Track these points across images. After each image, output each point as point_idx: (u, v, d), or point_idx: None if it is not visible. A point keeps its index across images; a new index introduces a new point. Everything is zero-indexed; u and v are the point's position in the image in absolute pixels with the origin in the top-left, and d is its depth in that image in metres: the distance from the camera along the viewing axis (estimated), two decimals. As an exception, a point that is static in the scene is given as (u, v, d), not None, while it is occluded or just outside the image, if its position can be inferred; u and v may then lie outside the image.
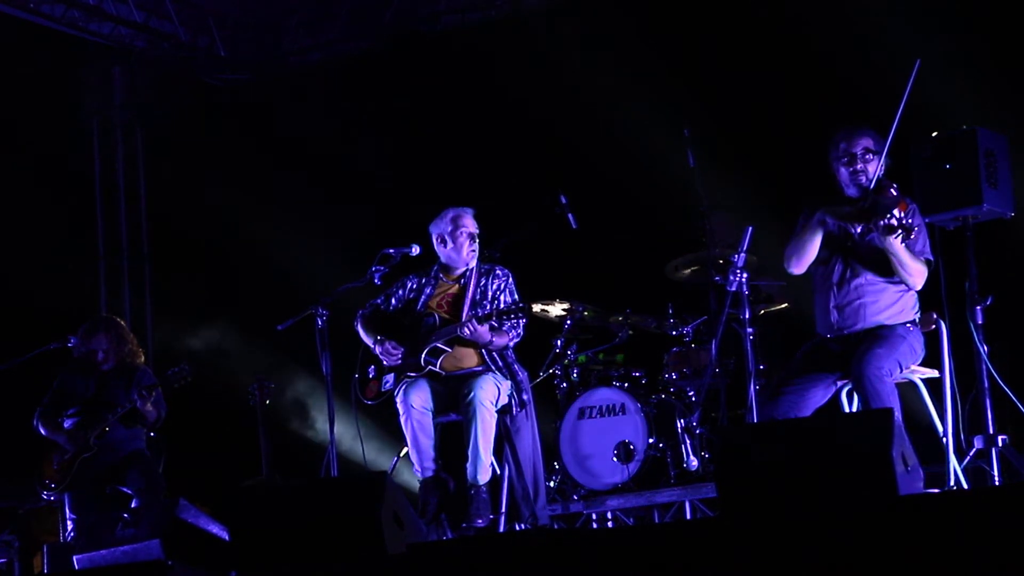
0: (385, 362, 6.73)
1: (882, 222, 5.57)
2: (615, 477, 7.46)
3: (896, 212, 5.54)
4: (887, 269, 5.79)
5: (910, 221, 5.58)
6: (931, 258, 5.86)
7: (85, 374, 7.57)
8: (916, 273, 5.77)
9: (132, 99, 10.32)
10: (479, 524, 6.44)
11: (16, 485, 7.95)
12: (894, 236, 5.58)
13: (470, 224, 6.73)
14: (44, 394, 7.61)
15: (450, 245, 6.73)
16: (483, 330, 6.49)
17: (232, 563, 5.17)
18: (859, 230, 5.79)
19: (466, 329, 6.47)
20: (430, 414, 6.56)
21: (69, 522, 7.31)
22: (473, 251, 6.73)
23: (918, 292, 5.97)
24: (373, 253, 6.77)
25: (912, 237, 5.66)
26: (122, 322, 7.85)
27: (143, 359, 7.80)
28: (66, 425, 7.46)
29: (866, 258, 5.83)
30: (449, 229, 6.73)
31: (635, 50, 8.51)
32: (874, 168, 5.83)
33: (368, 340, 6.80)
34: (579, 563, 4.39)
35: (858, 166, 5.85)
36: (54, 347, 7.75)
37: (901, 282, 5.81)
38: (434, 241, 6.79)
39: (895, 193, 5.69)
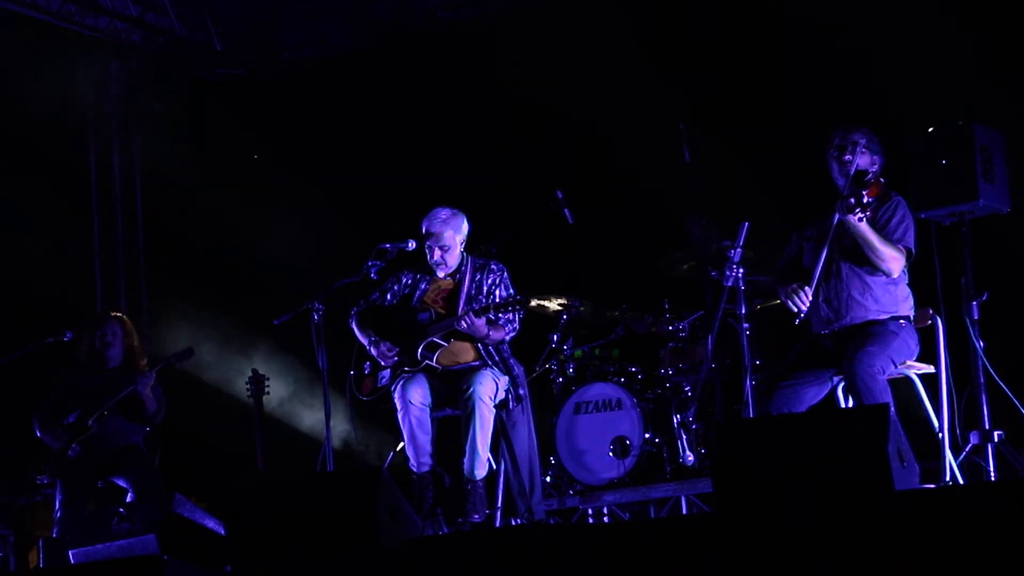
0: (382, 363, 6.73)
1: (843, 201, 5.67)
2: (611, 472, 7.46)
3: (864, 193, 5.61)
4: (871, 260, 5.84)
5: (870, 201, 5.65)
6: (912, 248, 5.89)
7: (89, 374, 7.58)
8: (888, 258, 5.80)
9: (128, 93, 10.30)
10: (475, 519, 6.45)
11: (11, 479, 7.94)
12: (854, 215, 5.64)
13: (441, 237, 6.70)
14: (40, 391, 7.60)
15: (426, 250, 6.75)
16: (480, 323, 6.49)
17: (227, 558, 5.17)
18: (835, 220, 5.83)
19: (463, 322, 6.47)
20: (428, 409, 6.57)
21: (57, 513, 7.26)
22: (439, 263, 6.73)
23: (911, 288, 5.99)
24: (369, 248, 6.77)
25: (871, 216, 5.73)
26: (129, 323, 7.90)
27: (147, 364, 7.78)
28: (65, 423, 7.47)
29: (851, 250, 5.86)
30: (423, 235, 6.75)
31: (633, 45, 8.50)
32: (864, 162, 5.90)
33: (363, 339, 6.80)
34: (575, 558, 4.39)
35: (846, 157, 5.93)
36: (51, 341, 7.74)
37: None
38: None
39: (871, 179, 5.77)
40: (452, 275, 6.80)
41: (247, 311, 9.27)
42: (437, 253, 6.71)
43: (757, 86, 8.27)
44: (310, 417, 9.20)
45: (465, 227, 6.78)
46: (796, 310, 5.85)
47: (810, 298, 5.84)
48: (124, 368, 7.58)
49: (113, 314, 7.92)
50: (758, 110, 8.22)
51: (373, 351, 6.73)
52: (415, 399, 6.53)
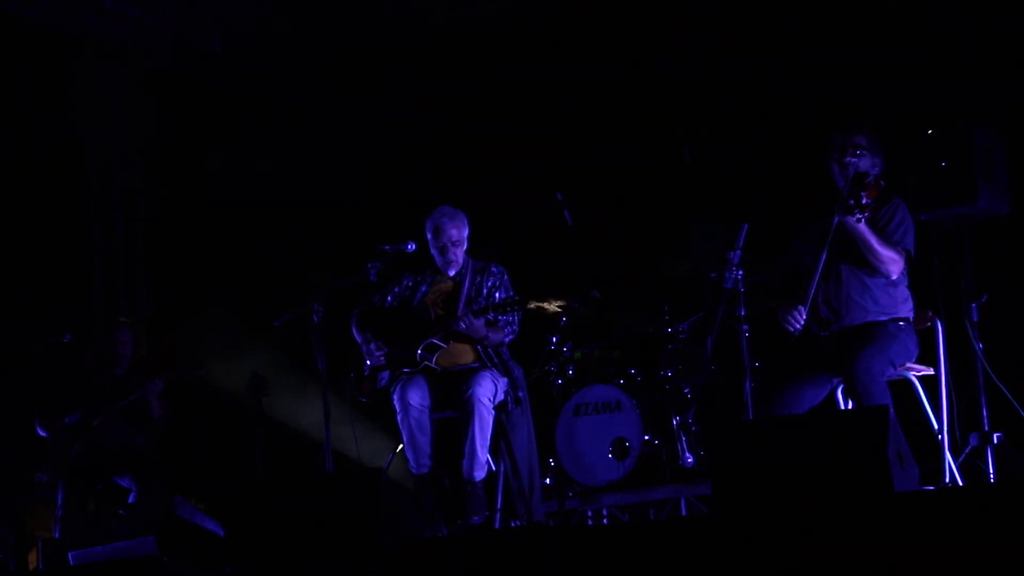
0: (368, 362, 6.74)
1: (842, 203, 5.68)
2: (611, 474, 7.45)
3: (863, 195, 5.62)
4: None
5: (869, 202, 5.66)
6: (911, 250, 5.89)
7: (95, 377, 7.60)
8: (887, 259, 5.80)
9: (128, 95, 10.30)
10: (475, 521, 6.45)
11: (11, 479, 7.95)
12: (853, 216, 5.65)
13: (451, 233, 6.72)
14: (41, 391, 7.61)
15: (433, 250, 6.75)
16: (479, 324, 6.50)
17: (227, 559, 5.17)
18: (835, 222, 5.84)
19: (462, 323, 6.48)
20: (427, 411, 6.57)
21: (59, 511, 7.27)
22: (452, 260, 6.74)
23: (911, 290, 5.99)
24: (369, 249, 6.77)
25: (871, 217, 5.75)
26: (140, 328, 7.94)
27: (156, 370, 7.77)
28: (66, 422, 7.47)
29: (851, 252, 5.87)
30: (430, 237, 6.76)
31: (633, 46, 8.50)
32: (865, 164, 5.91)
33: (358, 339, 6.81)
34: (575, 560, 4.39)
35: (847, 159, 5.93)
36: (50, 342, 7.75)
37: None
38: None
39: (871, 181, 5.78)
40: (452, 277, 6.81)
41: (247, 312, 9.26)
42: (450, 250, 6.72)
43: (758, 87, 8.26)
44: (310, 418, 9.18)
45: (467, 224, 6.81)
46: (791, 330, 5.88)
47: (805, 317, 5.85)
48: (130, 374, 7.62)
49: (123, 320, 7.96)
50: (759, 111, 8.22)
51: (363, 350, 6.75)
52: (414, 401, 6.54)
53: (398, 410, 6.57)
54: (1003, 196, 6.47)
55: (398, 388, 6.58)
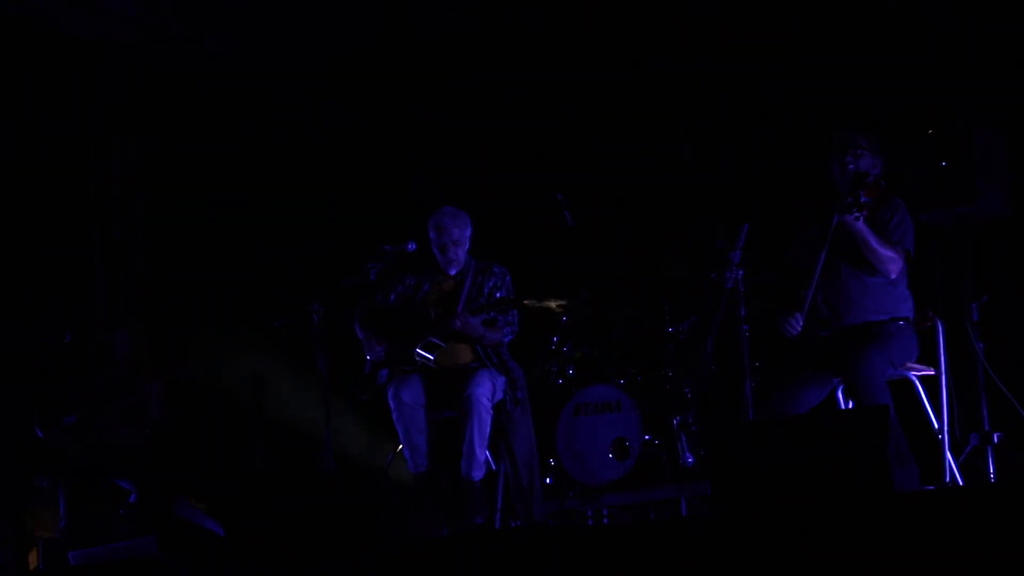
0: (369, 357, 6.75)
1: (841, 202, 5.69)
2: (611, 474, 7.45)
3: (861, 193, 5.63)
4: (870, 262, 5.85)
5: (867, 201, 5.68)
6: (910, 250, 5.89)
7: (93, 376, 7.60)
8: (886, 259, 5.80)
9: (126, 95, 10.29)
10: (476, 521, 6.45)
11: (10, 480, 7.94)
12: (851, 215, 5.65)
13: (453, 232, 6.73)
14: (40, 392, 7.61)
15: (435, 249, 6.77)
16: (475, 323, 6.51)
17: (227, 559, 5.17)
18: (835, 221, 5.85)
19: (458, 321, 6.49)
20: (422, 409, 6.57)
21: (62, 522, 7.29)
22: (453, 259, 6.76)
23: (911, 290, 6.00)
24: (369, 249, 6.77)
25: (870, 216, 5.75)
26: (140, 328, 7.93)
27: (154, 371, 7.79)
28: (65, 423, 7.48)
29: (851, 252, 5.87)
30: (432, 236, 6.77)
31: (633, 46, 8.51)
32: (866, 164, 5.91)
33: (360, 336, 6.84)
34: (575, 560, 4.39)
35: (847, 159, 5.94)
36: (49, 343, 7.75)
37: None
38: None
39: (871, 181, 5.79)
40: (454, 276, 6.81)
41: (247, 312, 9.27)
42: (451, 249, 6.73)
43: (758, 87, 8.27)
44: (310, 418, 9.19)
45: (469, 224, 6.82)
46: (788, 336, 5.89)
47: (802, 323, 5.86)
48: (129, 374, 7.61)
49: (123, 320, 7.96)
50: (759, 111, 8.22)
51: (365, 347, 6.77)
52: (407, 398, 6.54)
53: (392, 408, 6.58)
54: (1003, 196, 6.47)
55: (392, 386, 6.59)
